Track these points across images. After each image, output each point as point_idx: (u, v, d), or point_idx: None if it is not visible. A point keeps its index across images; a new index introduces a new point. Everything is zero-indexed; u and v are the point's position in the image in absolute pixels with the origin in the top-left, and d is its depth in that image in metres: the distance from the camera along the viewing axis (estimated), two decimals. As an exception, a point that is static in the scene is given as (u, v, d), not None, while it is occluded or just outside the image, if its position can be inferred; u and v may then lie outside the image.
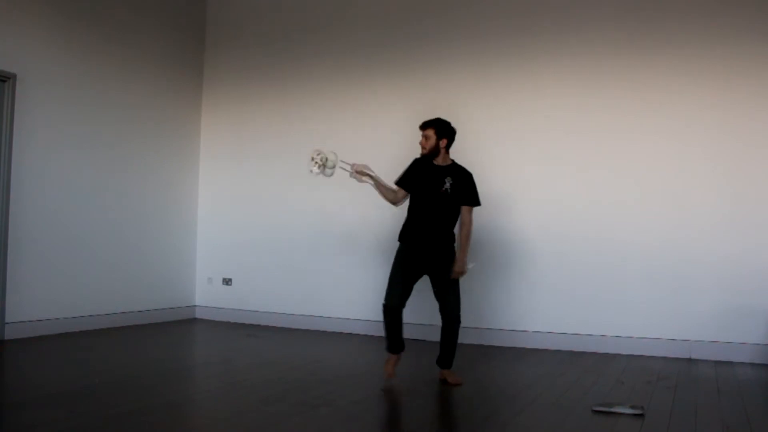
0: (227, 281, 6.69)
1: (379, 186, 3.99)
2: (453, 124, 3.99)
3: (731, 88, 4.86)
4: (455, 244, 3.97)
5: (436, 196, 3.88)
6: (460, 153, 5.60)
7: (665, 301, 4.94)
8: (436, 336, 4.05)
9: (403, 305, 3.88)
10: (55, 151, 5.43)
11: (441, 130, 3.92)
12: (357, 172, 3.95)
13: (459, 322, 3.91)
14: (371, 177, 3.96)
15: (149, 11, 6.34)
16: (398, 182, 4.01)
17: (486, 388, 3.91)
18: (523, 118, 5.48)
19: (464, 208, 3.99)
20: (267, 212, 6.53)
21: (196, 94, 6.90)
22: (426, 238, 3.89)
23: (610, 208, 5.16)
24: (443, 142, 3.93)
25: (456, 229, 4.02)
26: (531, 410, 3.34)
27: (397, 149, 5.87)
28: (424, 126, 3.95)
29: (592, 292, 5.15)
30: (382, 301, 3.92)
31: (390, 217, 5.24)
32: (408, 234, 3.94)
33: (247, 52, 6.73)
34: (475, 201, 4.01)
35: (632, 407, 3.28)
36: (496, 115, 5.56)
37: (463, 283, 5.33)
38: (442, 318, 3.93)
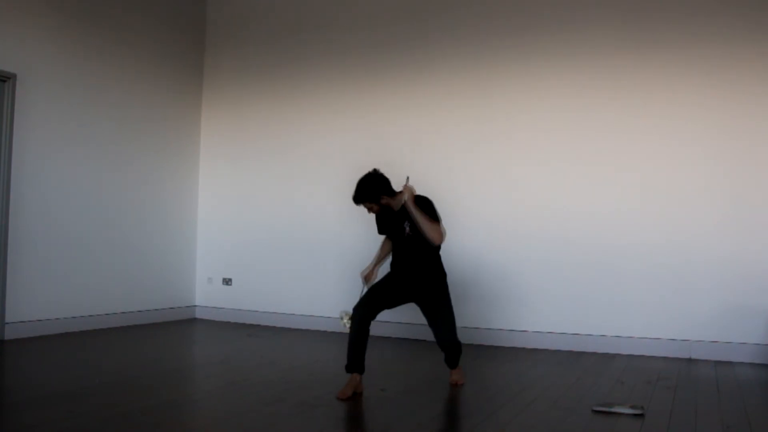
0: (227, 281, 6.69)
1: (380, 259, 4.02)
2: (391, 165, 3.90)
3: (731, 88, 4.86)
4: (445, 279, 3.90)
5: (403, 240, 3.82)
6: (460, 153, 5.64)
7: (665, 301, 4.94)
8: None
9: (371, 316, 3.61)
10: (55, 151, 5.43)
11: (373, 196, 3.70)
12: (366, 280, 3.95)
13: (456, 345, 3.84)
14: (372, 271, 3.96)
15: (149, 11, 6.34)
16: (379, 231, 4.02)
17: (486, 388, 3.90)
18: (523, 118, 5.48)
19: None
20: (267, 212, 6.53)
21: (196, 94, 6.90)
22: (411, 272, 3.83)
23: (610, 207, 5.15)
24: (384, 200, 3.75)
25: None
26: (531, 410, 3.33)
27: (397, 147, 5.89)
28: (357, 202, 3.76)
29: (593, 292, 5.15)
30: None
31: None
32: (395, 266, 3.89)
33: (247, 52, 6.73)
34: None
35: (632, 407, 3.28)
36: (496, 115, 5.55)
37: (463, 284, 5.37)
38: (438, 345, 3.86)
